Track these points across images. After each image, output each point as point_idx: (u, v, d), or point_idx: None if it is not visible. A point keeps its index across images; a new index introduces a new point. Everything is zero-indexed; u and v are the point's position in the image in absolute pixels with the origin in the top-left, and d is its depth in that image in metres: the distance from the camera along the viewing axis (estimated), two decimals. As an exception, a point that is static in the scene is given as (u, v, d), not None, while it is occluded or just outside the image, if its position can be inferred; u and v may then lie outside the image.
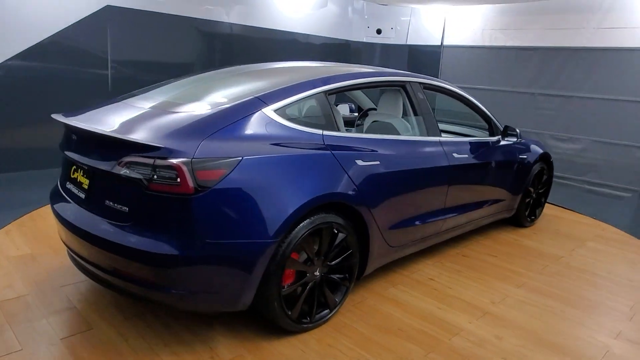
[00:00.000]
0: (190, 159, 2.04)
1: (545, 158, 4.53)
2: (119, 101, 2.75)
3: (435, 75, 8.10)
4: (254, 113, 2.36)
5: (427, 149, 3.19)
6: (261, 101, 2.43)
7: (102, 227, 2.19)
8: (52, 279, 2.93)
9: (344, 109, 5.90)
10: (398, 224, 2.96)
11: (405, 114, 3.30)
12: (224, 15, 6.58)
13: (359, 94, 4.47)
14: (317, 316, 2.56)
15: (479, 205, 3.77)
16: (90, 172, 2.35)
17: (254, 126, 2.32)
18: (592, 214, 5.19)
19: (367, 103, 4.52)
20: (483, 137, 4.04)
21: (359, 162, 2.65)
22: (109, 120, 2.44)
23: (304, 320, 2.50)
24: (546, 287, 3.30)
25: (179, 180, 2.02)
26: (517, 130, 4.13)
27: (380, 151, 2.82)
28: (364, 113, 4.28)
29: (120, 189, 2.18)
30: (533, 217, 4.65)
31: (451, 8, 8.14)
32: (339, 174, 2.52)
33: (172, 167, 2.02)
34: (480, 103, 4.03)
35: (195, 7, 6.25)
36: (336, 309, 2.67)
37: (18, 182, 4.89)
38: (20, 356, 2.20)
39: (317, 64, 3.60)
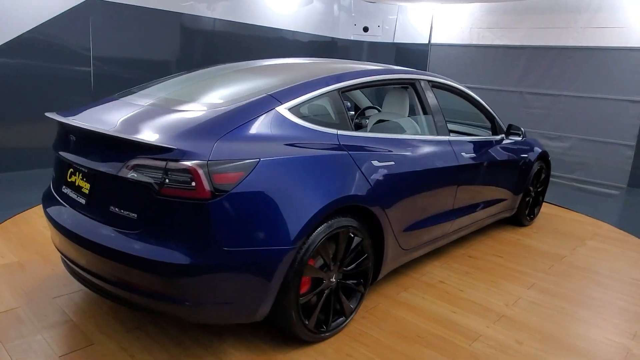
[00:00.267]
0: (205, 161, 1.89)
1: (543, 157, 4.52)
2: (117, 99, 2.58)
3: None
4: (268, 111, 2.22)
5: (439, 149, 3.11)
6: (275, 99, 2.29)
7: (107, 234, 2.02)
8: (43, 290, 2.73)
9: None
10: (411, 226, 2.86)
11: (414, 113, 3.21)
12: (207, 10, 6.39)
13: (356, 92, 4.36)
14: (334, 324, 2.44)
15: (484, 205, 3.71)
16: (91, 175, 2.17)
17: (268, 125, 2.18)
18: (586, 211, 5.22)
19: (364, 101, 4.42)
20: (487, 135, 3.98)
21: (375, 163, 2.54)
22: (111, 120, 2.26)
23: (321, 329, 2.38)
24: (555, 287, 3.26)
25: (193, 184, 1.87)
26: (522, 129, 4.10)
27: (395, 151, 2.72)
28: (361, 112, 4.18)
29: (128, 194, 2.01)
30: (532, 216, 4.63)
31: (439, 6, 8.12)
32: (356, 176, 2.41)
33: (186, 170, 1.87)
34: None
35: (178, 2, 6.04)
36: (352, 316, 2.55)
37: (-4, 184, 4.61)
38: (16, 377, 2.02)
39: (323, 60, 3.48)
